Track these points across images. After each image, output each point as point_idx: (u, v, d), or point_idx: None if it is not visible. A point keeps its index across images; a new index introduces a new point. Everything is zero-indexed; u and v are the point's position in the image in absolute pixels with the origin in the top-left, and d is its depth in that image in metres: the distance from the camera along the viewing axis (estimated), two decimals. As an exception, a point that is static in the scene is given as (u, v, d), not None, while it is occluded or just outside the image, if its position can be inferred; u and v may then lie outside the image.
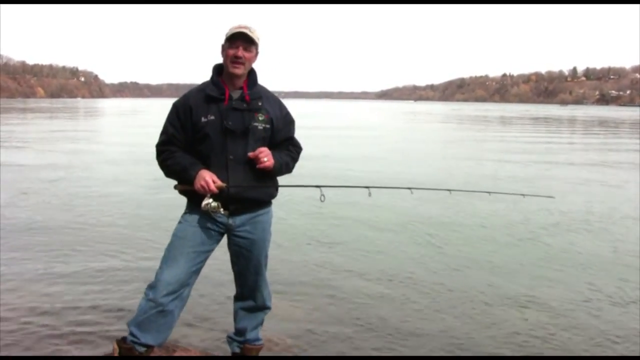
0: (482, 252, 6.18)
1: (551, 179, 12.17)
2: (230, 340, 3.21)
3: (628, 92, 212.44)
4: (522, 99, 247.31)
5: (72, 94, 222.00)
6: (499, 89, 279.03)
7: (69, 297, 4.51)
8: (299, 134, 3.10)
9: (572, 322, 4.26)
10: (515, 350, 3.78)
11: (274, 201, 3.01)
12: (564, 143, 24.42)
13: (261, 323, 3.18)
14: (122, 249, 5.96)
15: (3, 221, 7.11)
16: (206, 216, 2.82)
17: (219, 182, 2.72)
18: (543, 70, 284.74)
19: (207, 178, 2.69)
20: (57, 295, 4.56)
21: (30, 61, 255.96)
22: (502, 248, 6.43)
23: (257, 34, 2.82)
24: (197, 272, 2.89)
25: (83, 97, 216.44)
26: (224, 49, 2.82)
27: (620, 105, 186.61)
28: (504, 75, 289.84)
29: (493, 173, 12.91)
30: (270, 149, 2.84)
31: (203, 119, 2.77)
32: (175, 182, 2.87)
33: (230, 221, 2.85)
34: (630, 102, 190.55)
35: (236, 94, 2.83)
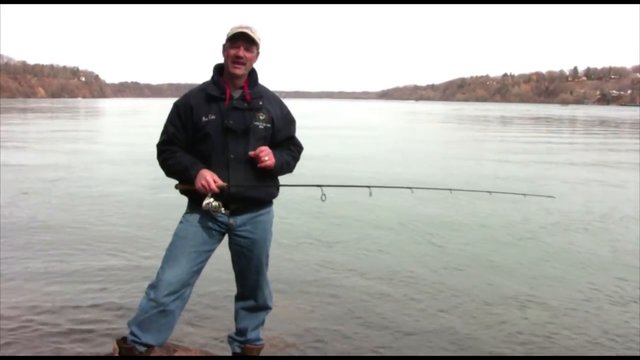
0: (482, 252, 6.18)
1: (551, 178, 12.17)
2: (231, 340, 3.20)
3: (629, 91, 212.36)
4: (522, 98, 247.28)
5: (72, 94, 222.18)
6: (500, 89, 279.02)
7: (69, 296, 4.52)
8: (299, 134, 3.09)
9: (573, 321, 4.27)
10: (515, 349, 3.79)
11: (275, 201, 3.01)
12: (564, 143, 24.40)
13: (262, 323, 3.18)
14: (123, 248, 5.96)
15: (4, 221, 7.12)
16: (207, 216, 2.82)
17: (220, 182, 2.71)
18: (544, 70, 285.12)
19: (208, 177, 2.69)
20: (57, 293, 4.57)
21: (31, 61, 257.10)
22: (502, 247, 6.43)
23: (258, 34, 2.82)
24: (198, 271, 2.89)
25: (84, 97, 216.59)
26: (225, 49, 2.82)
27: (621, 105, 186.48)
28: (505, 75, 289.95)
29: (493, 173, 12.90)
30: (271, 148, 2.84)
31: (204, 119, 2.77)
32: (176, 182, 2.87)
33: (231, 221, 2.85)
34: (631, 102, 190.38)
35: (237, 94, 2.83)
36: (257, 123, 2.81)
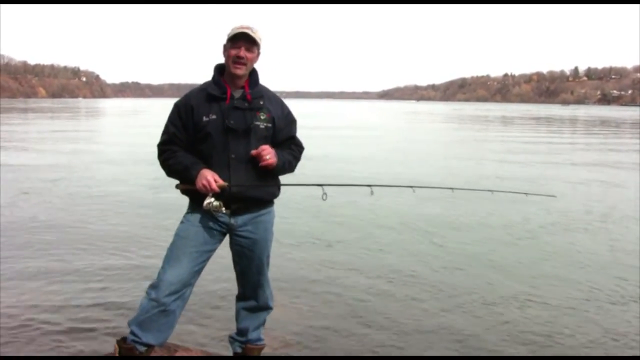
0: (483, 251, 6.18)
1: (552, 178, 12.17)
2: (232, 340, 3.20)
3: (629, 91, 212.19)
4: (523, 98, 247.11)
5: (73, 94, 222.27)
6: (501, 89, 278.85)
7: (70, 295, 4.52)
8: (300, 134, 3.09)
9: (573, 321, 4.27)
10: (515, 347, 3.79)
11: (276, 200, 3.01)
12: (565, 143, 24.40)
13: (263, 323, 3.18)
14: (123, 248, 5.97)
15: (4, 220, 7.13)
16: (208, 216, 2.82)
17: (221, 182, 2.71)
18: (544, 70, 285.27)
19: (209, 177, 2.69)
20: (58, 293, 4.58)
21: (32, 61, 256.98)
22: (503, 247, 6.43)
23: (259, 35, 2.81)
24: (199, 271, 2.89)
25: (84, 97, 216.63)
26: (226, 49, 2.82)
27: (622, 105, 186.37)
28: (506, 75, 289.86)
29: (494, 173, 12.90)
30: (272, 148, 2.84)
31: (205, 118, 2.77)
32: (176, 182, 2.87)
33: (232, 221, 2.84)
34: (631, 102, 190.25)
35: (238, 94, 2.83)
36: (258, 123, 2.81)
